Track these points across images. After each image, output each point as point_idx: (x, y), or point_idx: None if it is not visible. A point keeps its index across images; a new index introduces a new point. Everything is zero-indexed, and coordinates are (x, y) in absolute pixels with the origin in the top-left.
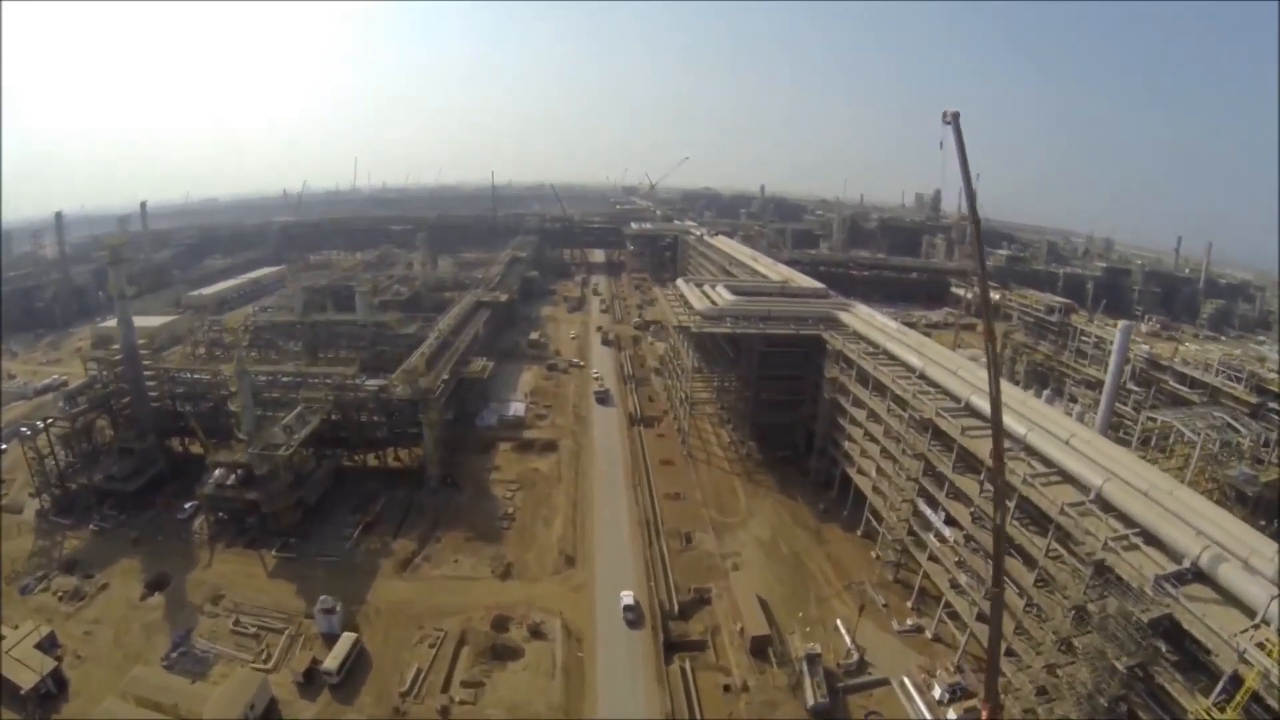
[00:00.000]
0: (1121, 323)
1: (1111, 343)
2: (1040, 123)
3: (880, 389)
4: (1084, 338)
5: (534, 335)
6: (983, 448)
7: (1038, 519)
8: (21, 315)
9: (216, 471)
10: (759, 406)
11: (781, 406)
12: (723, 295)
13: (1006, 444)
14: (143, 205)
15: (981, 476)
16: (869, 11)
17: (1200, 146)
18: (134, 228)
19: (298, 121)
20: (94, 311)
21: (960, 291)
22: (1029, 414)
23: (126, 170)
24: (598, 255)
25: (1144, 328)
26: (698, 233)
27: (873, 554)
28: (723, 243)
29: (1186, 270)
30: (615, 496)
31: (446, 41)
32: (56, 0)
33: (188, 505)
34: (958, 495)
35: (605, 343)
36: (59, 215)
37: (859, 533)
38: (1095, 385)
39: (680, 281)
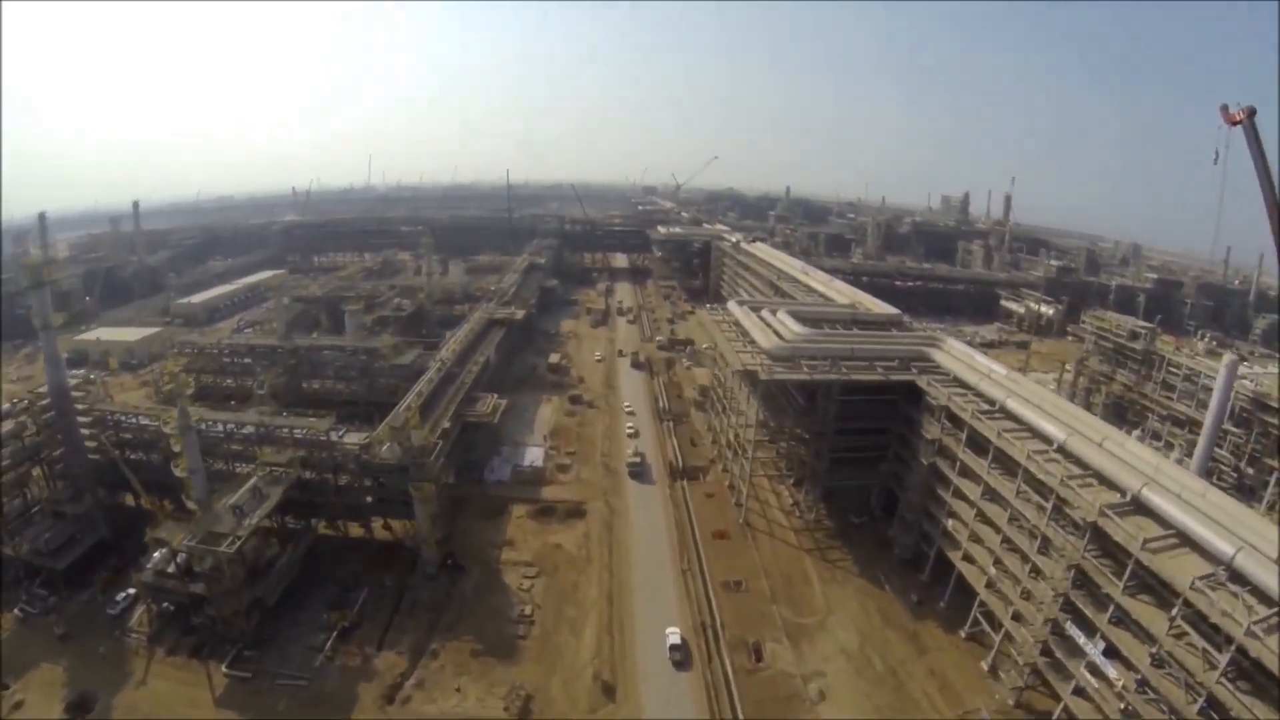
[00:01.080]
0: (1227, 357)
1: (1203, 375)
2: (1040, 118)
3: (1005, 463)
4: (1172, 369)
5: (554, 358)
6: (1178, 570)
7: (1251, 674)
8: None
9: (156, 554)
10: (834, 465)
11: (859, 464)
12: (788, 326)
13: (1196, 560)
14: (135, 205)
15: (1174, 611)
16: (876, 10)
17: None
18: (127, 227)
19: (319, 122)
20: (80, 320)
21: (1012, 305)
22: (1223, 518)
23: (144, 170)
24: (620, 260)
25: (1200, 345)
26: (733, 239)
27: (984, 665)
28: (762, 251)
29: (1236, 281)
30: (660, 587)
31: (465, 44)
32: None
33: (120, 596)
34: (1122, 620)
35: (635, 365)
36: (42, 216)
37: (963, 634)
38: (1184, 423)
39: (733, 305)
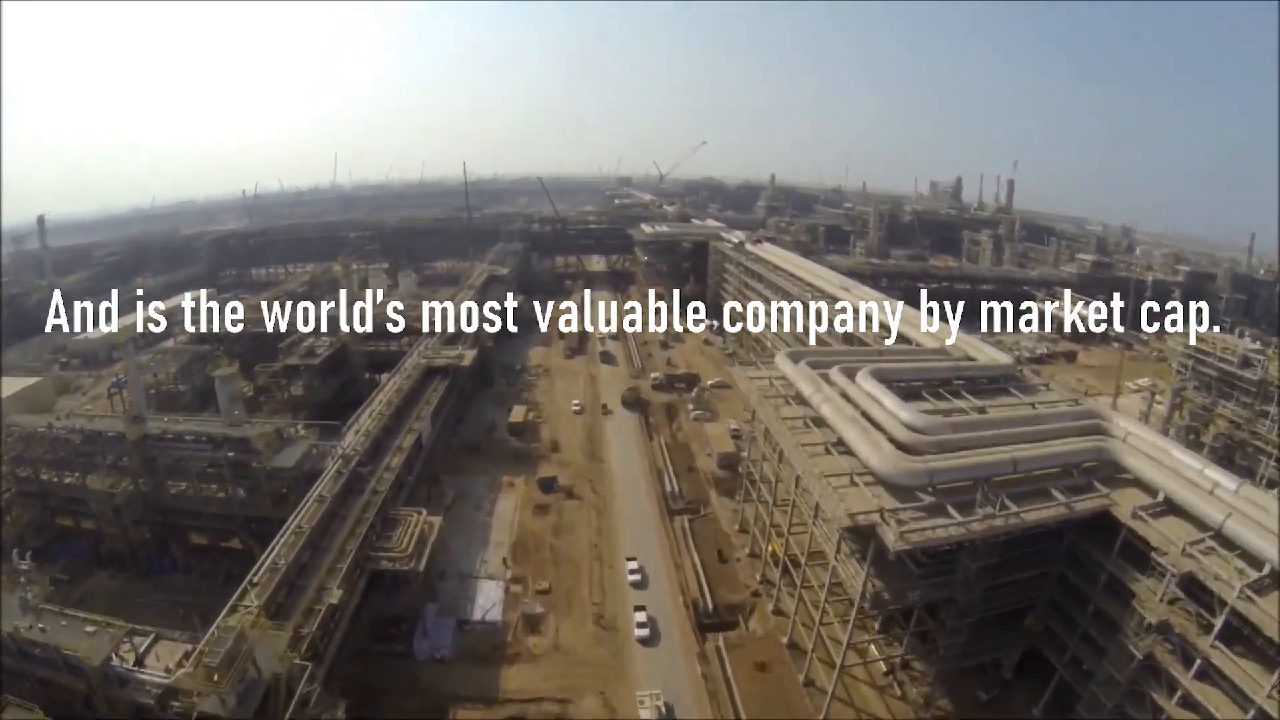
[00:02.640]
0: None
1: None
2: (1012, 102)
3: None
4: None
5: (517, 412)
6: None
7: None
8: None
9: None
10: (972, 639)
11: (998, 624)
12: (889, 409)
13: None
14: (40, 220)
15: None
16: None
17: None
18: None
19: (291, 122)
20: None
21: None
22: None
23: (120, 176)
24: (597, 263)
25: (1244, 344)
26: (734, 238)
27: None
28: (776, 255)
29: (1261, 271)
30: None
31: (436, 43)
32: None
33: None
34: None
35: (626, 405)
36: None
37: None
38: None
39: (783, 361)
